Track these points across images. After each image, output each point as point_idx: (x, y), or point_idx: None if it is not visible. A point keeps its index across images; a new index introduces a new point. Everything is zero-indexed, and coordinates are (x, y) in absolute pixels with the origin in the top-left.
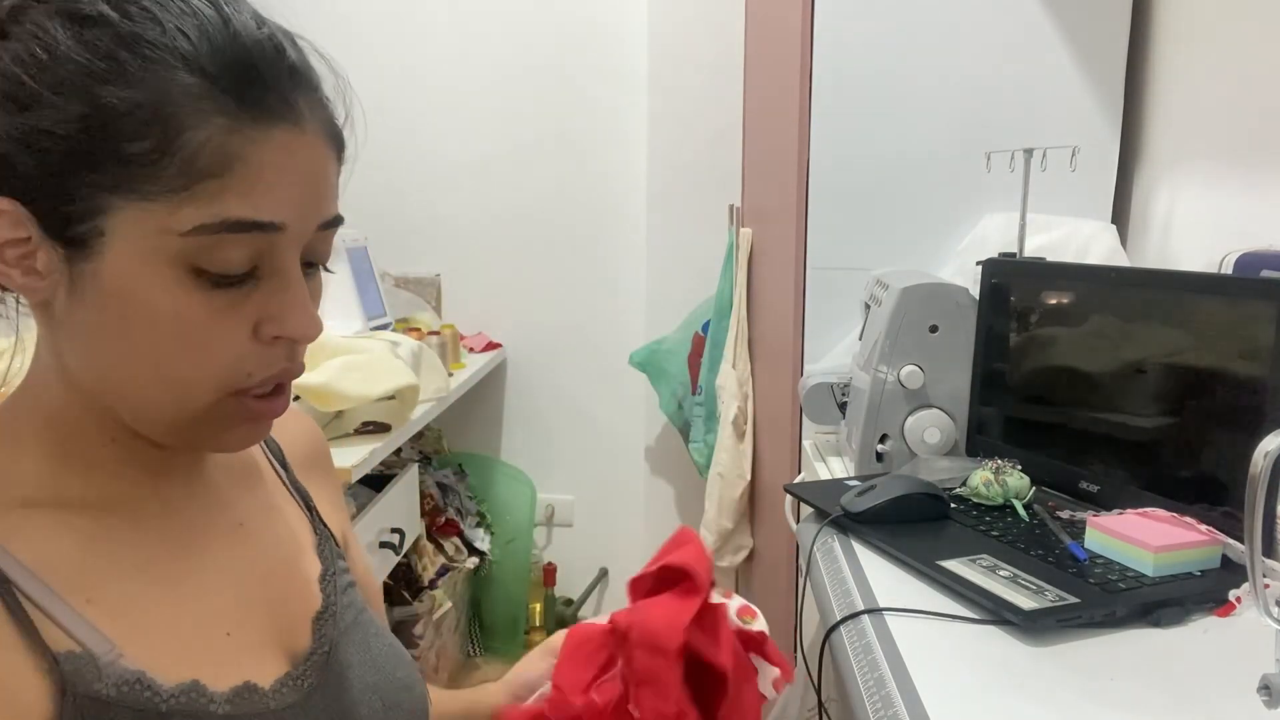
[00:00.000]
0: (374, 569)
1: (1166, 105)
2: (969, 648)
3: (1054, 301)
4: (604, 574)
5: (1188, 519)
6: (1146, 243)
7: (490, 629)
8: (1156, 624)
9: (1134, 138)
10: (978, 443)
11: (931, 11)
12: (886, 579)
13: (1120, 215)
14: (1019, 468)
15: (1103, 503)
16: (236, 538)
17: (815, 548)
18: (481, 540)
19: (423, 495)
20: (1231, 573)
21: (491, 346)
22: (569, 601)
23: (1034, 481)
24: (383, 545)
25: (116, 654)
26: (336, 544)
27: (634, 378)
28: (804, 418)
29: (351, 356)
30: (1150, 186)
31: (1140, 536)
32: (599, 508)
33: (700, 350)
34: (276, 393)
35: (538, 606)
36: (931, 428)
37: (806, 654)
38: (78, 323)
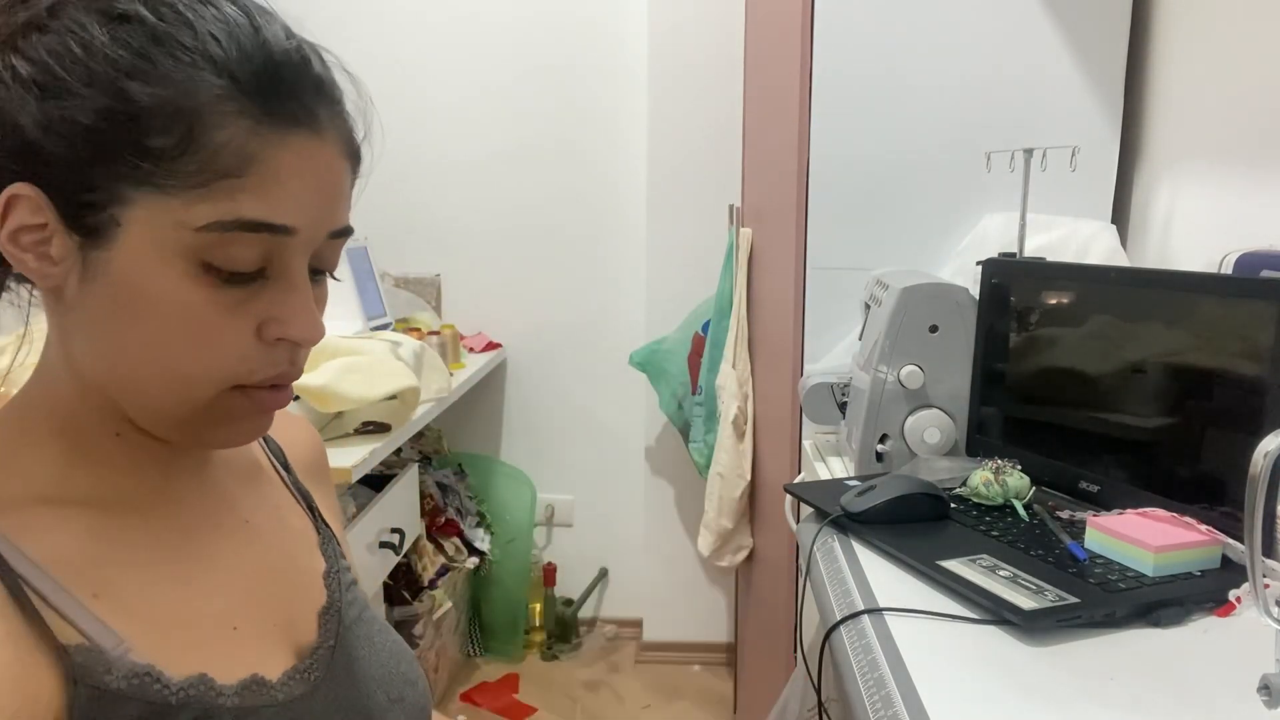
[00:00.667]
0: (373, 571)
1: (1166, 105)
2: (969, 648)
3: (1054, 301)
4: (604, 574)
5: (1188, 519)
6: (1146, 243)
7: (490, 629)
8: (1156, 624)
9: (1134, 137)
10: (978, 443)
11: (931, 11)
12: (886, 579)
13: (1120, 215)
14: (1019, 468)
15: (1103, 503)
16: (243, 534)
17: (815, 548)
18: (481, 540)
19: (423, 495)
20: (1231, 573)
21: (491, 346)
22: (569, 601)
23: (1034, 481)
24: (383, 545)
25: (125, 648)
26: (338, 542)
27: (634, 378)
28: (804, 418)
29: (352, 358)
30: (1150, 186)
31: (1140, 536)
32: (599, 508)
33: (700, 350)
34: (277, 388)
35: (538, 606)
36: (931, 428)
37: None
38: (87, 311)
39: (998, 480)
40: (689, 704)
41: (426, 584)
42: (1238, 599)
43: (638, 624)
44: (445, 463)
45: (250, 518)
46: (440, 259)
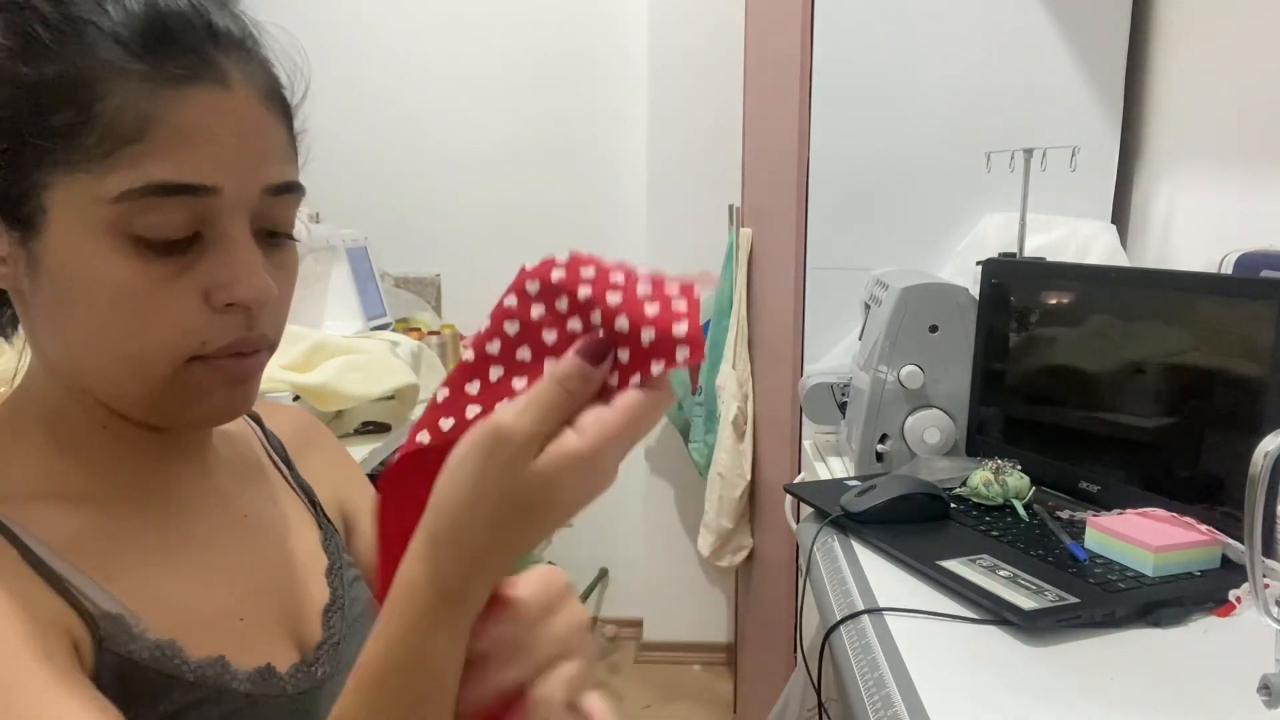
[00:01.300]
0: None
1: (1166, 105)
2: (969, 648)
3: (1054, 301)
4: (604, 574)
5: (1188, 519)
6: (1146, 243)
7: None
8: (1156, 624)
9: (1134, 137)
10: (978, 443)
11: (931, 11)
12: (886, 579)
13: (1120, 215)
14: (1019, 468)
15: (1103, 503)
16: (242, 530)
17: (815, 548)
18: None
19: None
20: (1231, 573)
21: None
22: None
23: (1034, 481)
24: None
25: (144, 626)
26: (340, 537)
27: None
28: (804, 418)
29: (351, 356)
30: (1150, 186)
31: (1140, 536)
32: (599, 507)
33: None
34: (241, 356)
35: None
36: (931, 428)
37: (806, 654)
38: (41, 305)
39: (998, 480)
40: (689, 704)
41: None
42: (1238, 599)
43: (638, 624)
44: None
45: (250, 514)
46: (440, 259)
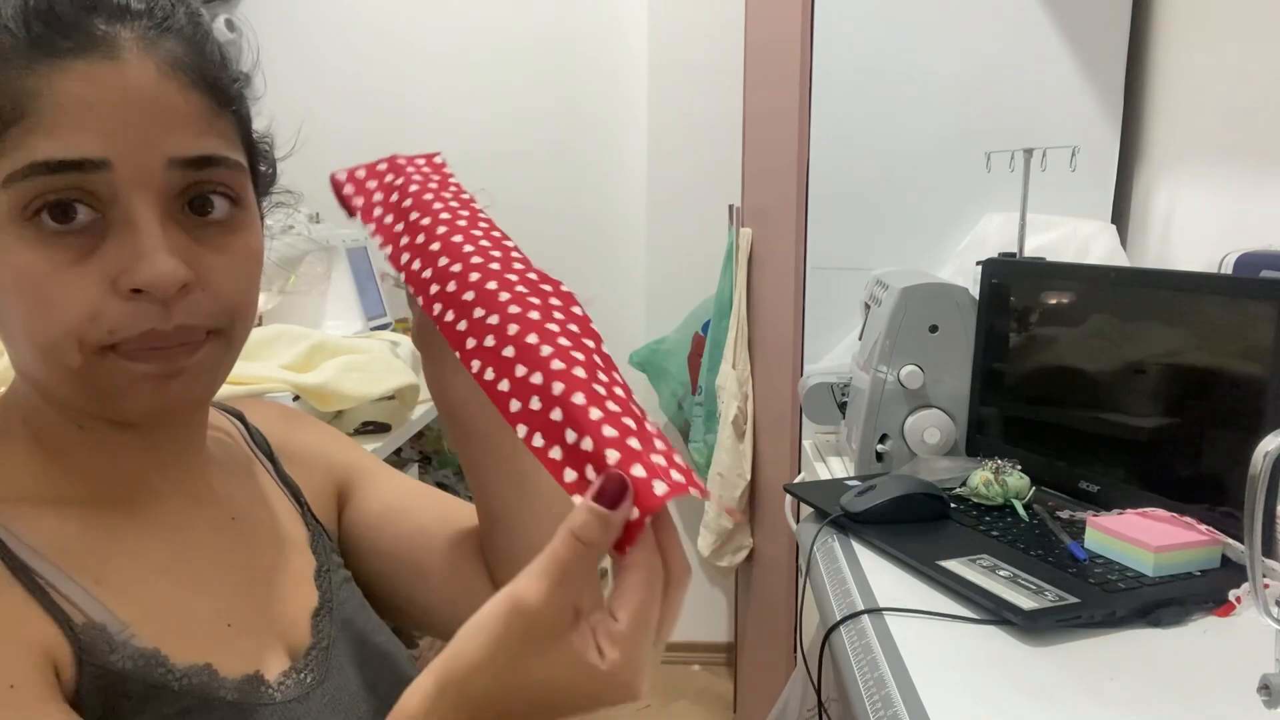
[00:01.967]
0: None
1: (1166, 105)
2: (969, 648)
3: (1054, 301)
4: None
5: (1188, 519)
6: (1146, 243)
7: None
8: (1156, 624)
9: (1134, 137)
10: (978, 443)
11: (931, 11)
12: (886, 579)
13: (1120, 215)
14: (1019, 468)
15: (1103, 503)
16: (230, 532)
17: (815, 548)
18: None
19: None
20: (1231, 573)
21: None
22: None
23: (1034, 481)
24: None
25: (129, 633)
26: (329, 538)
27: (634, 378)
28: (804, 418)
29: (351, 356)
30: (1150, 186)
31: (1140, 536)
32: None
33: (700, 350)
34: (158, 350)
35: None
36: (931, 428)
37: (806, 654)
38: None
39: (998, 480)
40: (689, 704)
41: None
42: (1238, 599)
43: None
44: (445, 462)
45: (237, 515)
46: None
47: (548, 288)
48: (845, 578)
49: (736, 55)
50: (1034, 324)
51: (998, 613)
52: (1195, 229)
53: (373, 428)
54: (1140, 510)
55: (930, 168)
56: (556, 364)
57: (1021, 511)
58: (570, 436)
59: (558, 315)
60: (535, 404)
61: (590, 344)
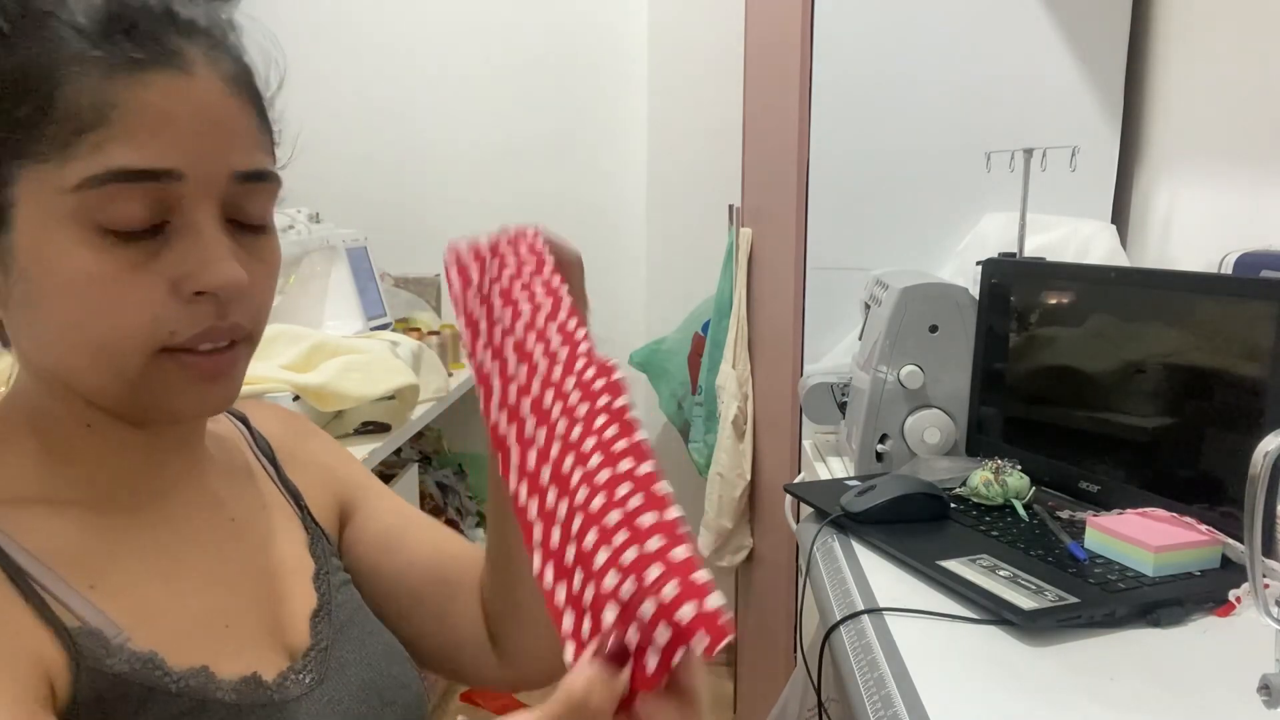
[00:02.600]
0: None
1: (1166, 104)
2: (969, 648)
3: (1054, 301)
4: None
5: (1188, 519)
6: (1146, 243)
7: None
8: (1156, 624)
9: (1133, 137)
10: (978, 443)
11: (931, 12)
12: (886, 579)
13: (1120, 215)
14: (1019, 468)
15: (1103, 503)
16: (229, 533)
17: (815, 548)
18: (482, 540)
19: (423, 495)
20: (1231, 573)
21: None
22: None
23: (1034, 481)
24: None
25: (125, 637)
26: (329, 541)
27: (634, 378)
28: (804, 418)
29: (351, 356)
30: (1150, 186)
31: (1140, 536)
32: None
33: (700, 350)
34: (216, 352)
35: None
36: (931, 428)
37: (806, 654)
38: (16, 301)
39: (998, 480)
40: None
41: None
42: (1237, 599)
43: None
44: (445, 462)
45: (237, 517)
46: (440, 259)
47: (600, 382)
48: (845, 578)
49: (737, 55)
50: (1034, 324)
51: (998, 613)
52: (1195, 229)
53: (373, 428)
54: (1140, 510)
55: (930, 168)
56: (592, 499)
57: (1021, 511)
58: (577, 581)
59: (606, 434)
60: (555, 539)
61: (629, 464)
